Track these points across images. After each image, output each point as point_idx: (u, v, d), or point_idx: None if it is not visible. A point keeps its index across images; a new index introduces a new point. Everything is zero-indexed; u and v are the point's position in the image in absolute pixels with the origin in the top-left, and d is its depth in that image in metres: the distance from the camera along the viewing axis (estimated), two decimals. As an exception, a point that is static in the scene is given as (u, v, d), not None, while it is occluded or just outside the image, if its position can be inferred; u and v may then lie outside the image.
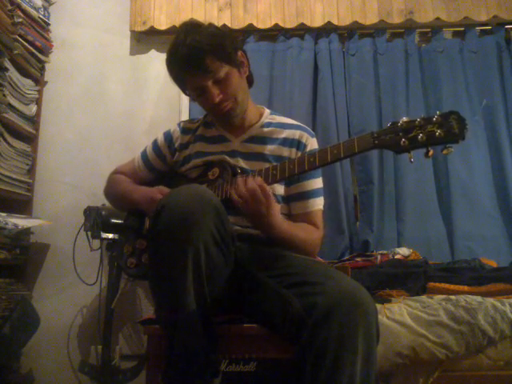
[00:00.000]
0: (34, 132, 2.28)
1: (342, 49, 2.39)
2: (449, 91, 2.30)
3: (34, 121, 2.29)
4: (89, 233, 1.92)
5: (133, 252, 1.26)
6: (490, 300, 1.40)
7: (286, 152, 1.32)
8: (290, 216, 1.34)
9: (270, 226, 1.12)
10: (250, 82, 1.37)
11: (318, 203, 1.33)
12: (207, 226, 0.92)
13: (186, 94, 1.36)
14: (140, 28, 2.38)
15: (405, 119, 0.98)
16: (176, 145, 1.41)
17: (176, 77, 1.29)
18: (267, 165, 1.24)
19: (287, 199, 1.33)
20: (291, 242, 1.19)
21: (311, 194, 1.32)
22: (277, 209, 1.14)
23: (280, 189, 1.31)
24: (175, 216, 0.92)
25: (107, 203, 1.54)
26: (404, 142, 0.96)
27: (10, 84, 2.05)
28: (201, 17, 2.34)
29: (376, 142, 0.99)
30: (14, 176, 2.10)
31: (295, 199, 1.32)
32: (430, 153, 0.95)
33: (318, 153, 1.08)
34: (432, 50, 2.37)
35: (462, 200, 2.19)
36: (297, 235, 1.21)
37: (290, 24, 2.37)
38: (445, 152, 0.95)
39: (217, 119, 1.37)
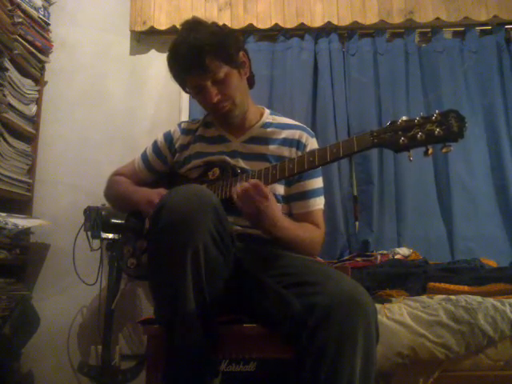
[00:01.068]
0: (33, 132, 2.28)
1: (342, 49, 2.39)
2: (449, 91, 2.30)
3: (34, 121, 2.29)
4: (89, 233, 1.92)
5: (133, 252, 1.26)
6: (490, 300, 1.40)
7: (286, 152, 1.32)
8: (290, 216, 1.33)
9: (271, 225, 1.11)
10: (251, 82, 1.37)
11: (319, 203, 1.33)
12: (206, 225, 0.92)
13: (185, 91, 1.36)
14: (140, 28, 2.38)
15: (404, 118, 0.98)
16: (176, 145, 1.41)
17: (176, 74, 1.29)
18: (267, 165, 1.24)
19: (288, 199, 1.33)
20: (294, 241, 1.19)
21: (312, 194, 1.32)
22: (277, 207, 1.14)
23: (280, 189, 1.31)
24: (174, 216, 0.92)
25: (107, 203, 1.54)
26: (403, 140, 0.96)
27: (10, 84, 2.05)
28: (201, 17, 2.33)
29: (375, 140, 0.99)
30: (14, 176, 2.10)
31: (296, 199, 1.32)
32: (430, 151, 0.95)
33: (317, 152, 1.08)
34: (432, 50, 2.37)
35: (461, 200, 2.19)
36: (299, 234, 1.21)
37: (290, 24, 2.37)
38: (444, 150, 0.95)
39: (216, 118, 1.37)
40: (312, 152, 1.10)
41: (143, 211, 1.24)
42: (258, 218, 1.10)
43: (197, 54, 1.18)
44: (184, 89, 1.34)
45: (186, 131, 1.42)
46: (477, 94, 2.31)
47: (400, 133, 0.97)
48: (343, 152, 1.03)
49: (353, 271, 1.67)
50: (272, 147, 1.33)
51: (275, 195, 1.28)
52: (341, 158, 1.05)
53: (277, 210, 1.13)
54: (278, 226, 1.13)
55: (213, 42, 1.20)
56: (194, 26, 1.24)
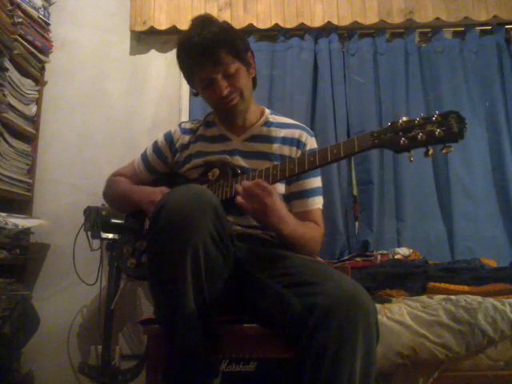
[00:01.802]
0: (33, 132, 2.28)
1: (341, 49, 2.40)
2: (449, 91, 2.30)
3: (34, 121, 2.29)
4: (89, 233, 1.92)
5: (133, 252, 1.27)
6: (490, 300, 1.40)
7: (286, 151, 1.33)
8: None
9: (279, 221, 1.11)
10: (254, 83, 1.38)
11: (318, 202, 1.33)
12: (206, 226, 0.92)
13: (190, 85, 1.36)
14: (140, 28, 2.38)
15: (404, 119, 0.99)
16: (177, 145, 1.41)
17: (186, 67, 1.29)
18: (268, 163, 1.25)
19: (287, 198, 1.33)
20: (300, 238, 1.19)
21: (311, 193, 1.32)
22: (282, 204, 1.14)
23: (281, 187, 1.31)
24: (174, 216, 0.92)
25: (107, 204, 1.54)
26: (404, 141, 0.97)
27: (10, 84, 2.05)
28: (201, 17, 2.34)
29: (376, 141, 1.00)
30: (14, 176, 2.10)
31: (295, 197, 1.33)
32: (430, 152, 0.96)
33: (318, 152, 1.08)
34: (432, 49, 2.38)
35: (462, 200, 2.19)
36: (305, 232, 1.21)
37: (290, 24, 2.37)
38: (444, 151, 0.95)
39: (220, 114, 1.37)
40: (313, 152, 1.10)
41: (145, 210, 1.24)
42: (264, 215, 1.09)
43: (211, 46, 1.20)
44: (190, 83, 1.34)
45: (186, 131, 1.42)
46: (477, 94, 2.31)
47: (400, 133, 0.98)
48: (344, 152, 1.03)
49: (353, 271, 1.67)
50: (272, 146, 1.33)
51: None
52: (341, 158, 1.05)
53: (282, 207, 1.13)
54: (285, 221, 1.12)
55: (226, 37, 1.22)
56: (207, 21, 1.25)
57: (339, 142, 1.05)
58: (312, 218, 1.31)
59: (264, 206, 1.07)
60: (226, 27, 1.26)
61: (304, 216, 1.30)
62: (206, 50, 1.20)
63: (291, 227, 1.15)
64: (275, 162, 1.27)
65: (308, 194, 1.32)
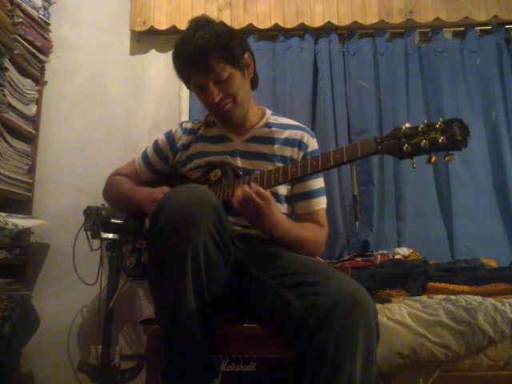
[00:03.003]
0: (33, 132, 2.28)
1: (342, 49, 2.40)
2: (449, 91, 2.30)
3: (34, 121, 2.29)
4: (89, 233, 1.92)
5: (133, 252, 1.27)
6: (490, 300, 1.40)
7: (288, 152, 1.33)
8: (293, 216, 1.34)
9: (271, 226, 1.12)
10: (255, 83, 1.37)
11: (321, 202, 1.34)
12: (206, 226, 0.92)
13: (189, 88, 1.37)
14: (140, 28, 2.38)
15: (407, 125, 0.99)
16: (178, 145, 1.41)
17: (180, 72, 1.30)
18: (269, 164, 1.25)
19: (290, 199, 1.34)
20: (296, 241, 1.19)
21: (314, 194, 1.32)
22: (277, 209, 1.14)
23: (283, 189, 1.31)
24: (175, 216, 0.92)
25: (106, 203, 1.54)
26: (407, 147, 0.97)
27: (10, 84, 2.05)
28: (201, 17, 2.34)
29: (379, 147, 1.00)
30: (14, 176, 2.10)
31: (298, 199, 1.33)
32: (433, 159, 0.97)
33: (320, 157, 1.09)
34: (432, 49, 2.38)
35: (462, 200, 2.19)
36: (300, 234, 1.21)
37: (290, 24, 2.37)
38: (447, 159, 0.96)
39: (217, 118, 1.38)
40: (315, 157, 1.10)
41: (147, 210, 1.24)
42: (258, 221, 1.10)
43: (202, 54, 1.19)
44: (188, 86, 1.35)
45: (187, 131, 1.42)
46: (477, 94, 2.31)
47: (404, 140, 0.98)
48: (347, 157, 1.04)
49: (353, 271, 1.66)
50: (274, 147, 1.33)
51: (278, 195, 1.29)
52: (344, 163, 1.06)
53: (277, 211, 1.14)
54: (278, 227, 1.13)
55: (218, 42, 1.20)
56: (202, 24, 1.23)
57: (342, 147, 1.06)
58: (316, 220, 1.31)
59: (260, 213, 1.08)
60: (221, 31, 1.23)
61: (308, 217, 1.31)
62: (196, 58, 1.19)
63: (286, 231, 1.15)
64: (276, 163, 1.28)
65: (312, 195, 1.32)
